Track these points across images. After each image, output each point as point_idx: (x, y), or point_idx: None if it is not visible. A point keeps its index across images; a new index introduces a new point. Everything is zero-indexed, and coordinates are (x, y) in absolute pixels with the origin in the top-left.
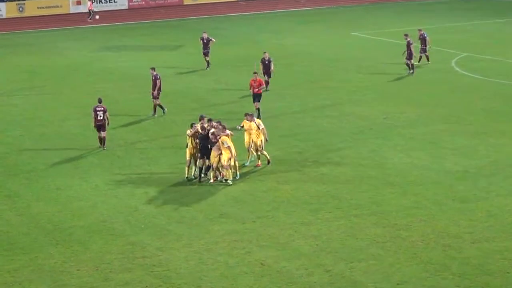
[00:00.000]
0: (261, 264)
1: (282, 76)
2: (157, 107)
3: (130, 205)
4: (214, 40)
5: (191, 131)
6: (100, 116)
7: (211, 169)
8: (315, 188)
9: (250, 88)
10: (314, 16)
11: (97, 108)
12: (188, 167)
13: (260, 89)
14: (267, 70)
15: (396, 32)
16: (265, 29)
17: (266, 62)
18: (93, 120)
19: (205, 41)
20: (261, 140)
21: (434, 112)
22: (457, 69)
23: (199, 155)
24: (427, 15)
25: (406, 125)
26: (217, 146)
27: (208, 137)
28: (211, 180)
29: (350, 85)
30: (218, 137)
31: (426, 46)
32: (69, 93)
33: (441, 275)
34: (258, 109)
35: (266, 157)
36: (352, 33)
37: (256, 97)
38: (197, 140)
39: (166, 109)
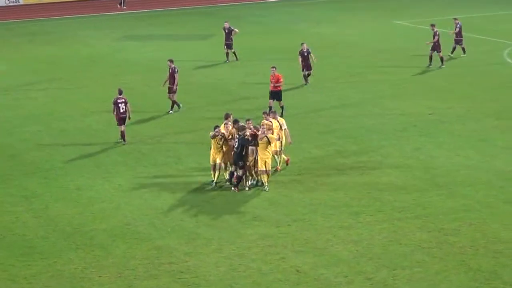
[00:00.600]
0: (297, 271)
1: (320, 69)
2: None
3: (156, 206)
4: (237, 30)
5: (217, 133)
6: (123, 108)
7: (246, 177)
8: (355, 190)
9: (270, 84)
10: (356, 3)
11: (118, 100)
12: (214, 171)
13: (279, 85)
14: (306, 63)
15: (444, 20)
16: (304, 18)
17: (305, 54)
18: (114, 113)
19: (226, 31)
20: (281, 142)
21: (484, 107)
22: (509, 60)
23: (226, 159)
24: (476, 3)
25: (453, 121)
26: (252, 149)
27: (246, 139)
28: (247, 188)
29: (393, 78)
30: (260, 137)
31: (462, 37)
32: (91, 85)
33: (491, 284)
34: (282, 107)
35: (284, 160)
36: (396, 22)
37: (274, 94)
38: (230, 143)
39: (181, 105)
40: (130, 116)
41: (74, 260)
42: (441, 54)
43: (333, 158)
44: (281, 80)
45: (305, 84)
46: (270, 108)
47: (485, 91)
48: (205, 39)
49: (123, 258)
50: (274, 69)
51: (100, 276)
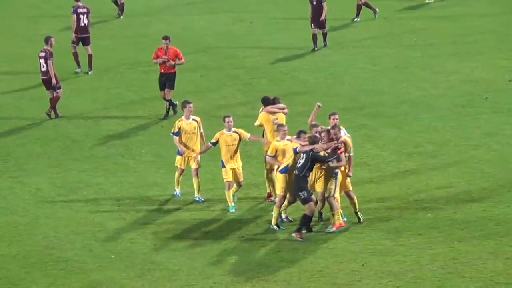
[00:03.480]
0: None
1: (341, 11)
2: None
3: (93, 221)
4: None
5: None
6: (43, 67)
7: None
8: (394, 196)
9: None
10: None
11: (40, 54)
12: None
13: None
14: (316, 15)
15: None
16: None
17: (314, 3)
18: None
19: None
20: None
21: None
22: None
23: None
24: None
25: None
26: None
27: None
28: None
29: (453, 24)
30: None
31: None
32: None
33: None
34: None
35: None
36: None
37: (166, 80)
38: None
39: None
40: (57, 80)
41: None
42: None
43: (361, 148)
44: (181, 57)
45: (315, 49)
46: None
47: None
48: None
49: None
50: (168, 41)
51: None
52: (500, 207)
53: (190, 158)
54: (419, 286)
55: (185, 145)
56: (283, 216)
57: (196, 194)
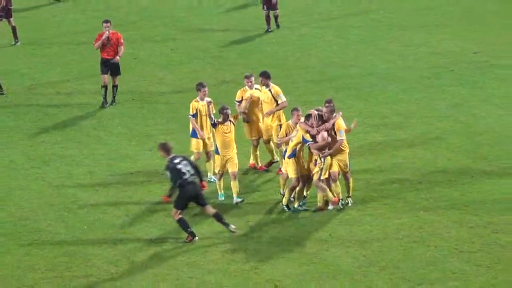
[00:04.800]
0: (275, 286)
1: None
2: None
3: (66, 192)
4: None
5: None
6: None
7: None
8: (357, 164)
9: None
10: None
11: None
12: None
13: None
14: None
15: None
16: None
17: None
18: None
19: None
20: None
21: None
22: None
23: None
24: None
25: (510, 64)
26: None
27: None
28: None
29: None
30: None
31: None
32: None
33: None
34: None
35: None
36: None
37: (111, 67)
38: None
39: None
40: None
41: None
42: None
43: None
44: (122, 41)
45: (268, 30)
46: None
47: None
48: None
49: (17, 269)
50: (109, 24)
51: None
52: (464, 177)
53: (205, 140)
54: (385, 255)
55: (200, 127)
56: (296, 205)
57: (210, 175)
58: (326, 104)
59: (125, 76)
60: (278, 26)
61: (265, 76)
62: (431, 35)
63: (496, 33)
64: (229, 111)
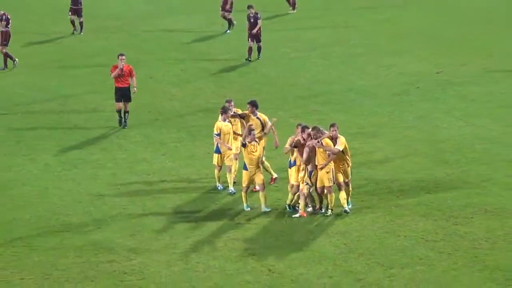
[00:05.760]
0: (269, 270)
1: (296, 14)
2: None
3: (92, 191)
4: None
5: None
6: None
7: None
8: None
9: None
10: None
11: None
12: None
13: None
14: (251, 31)
15: None
16: None
17: (252, 20)
18: None
19: None
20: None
21: (506, 64)
22: None
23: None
24: None
25: (467, 81)
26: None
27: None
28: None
29: (391, 26)
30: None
31: None
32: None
33: None
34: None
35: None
36: None
37: (124, 93)
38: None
39: (16, 60)
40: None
41: None
42: None
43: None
44: (134, 73)
45: (248, 59)
46: None
47: (506, 42)
48: None
49: (51, 256)
50: (124, 57)
51: (22, 279)
52: (429, 177)
53: (225, 156)
54: (362, 243)
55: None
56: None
57: (230, 188)
58: (332, 128)
59: (142, 93)
60: (258, 57)
61: (253, 105)
62: (400, 58)
63: (454, 57)
64: (255, 132)
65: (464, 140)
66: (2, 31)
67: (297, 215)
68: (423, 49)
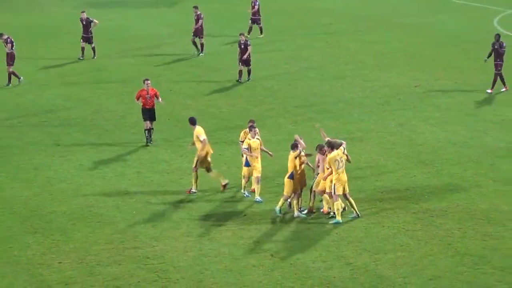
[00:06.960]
0: (271, 255)
1: (295, 36)
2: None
3: (120, 187)
4: (96, 22)
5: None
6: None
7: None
8: None
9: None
10: None
11: None
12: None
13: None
14: (242, 56)
15: None
16: None
17: (242, 46)
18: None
19: (84, 23)
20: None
21: (475, 79)
22: (500, 29)
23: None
24: None
25: (441, 94)
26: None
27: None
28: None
29: (376, 46)
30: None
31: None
32: (48, 56)
33: (480, 269)
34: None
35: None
36: None
37: (149, 113)
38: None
39: (22, 78)
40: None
41: (32, 245)
42: None
43: (310, 135)
44: (158, 94)
45: (239, 81)
46: None
47: (475, 61)
48: (173, 6)
49: (84, 243)
50: (149, 81)
51: (59, 263)
52: (408, 176)
53: (254, 169)
54: (351, 232)
55: (252, 159)
56: (296, 214)
57: (256, 196)
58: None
59: (164, 103)
60: (248, 79)
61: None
62: (383, 73)
63: (430, 73)
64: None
65: (438, 144)
66: (7, 53)
67: (334, 220)
68: (403, 66)
